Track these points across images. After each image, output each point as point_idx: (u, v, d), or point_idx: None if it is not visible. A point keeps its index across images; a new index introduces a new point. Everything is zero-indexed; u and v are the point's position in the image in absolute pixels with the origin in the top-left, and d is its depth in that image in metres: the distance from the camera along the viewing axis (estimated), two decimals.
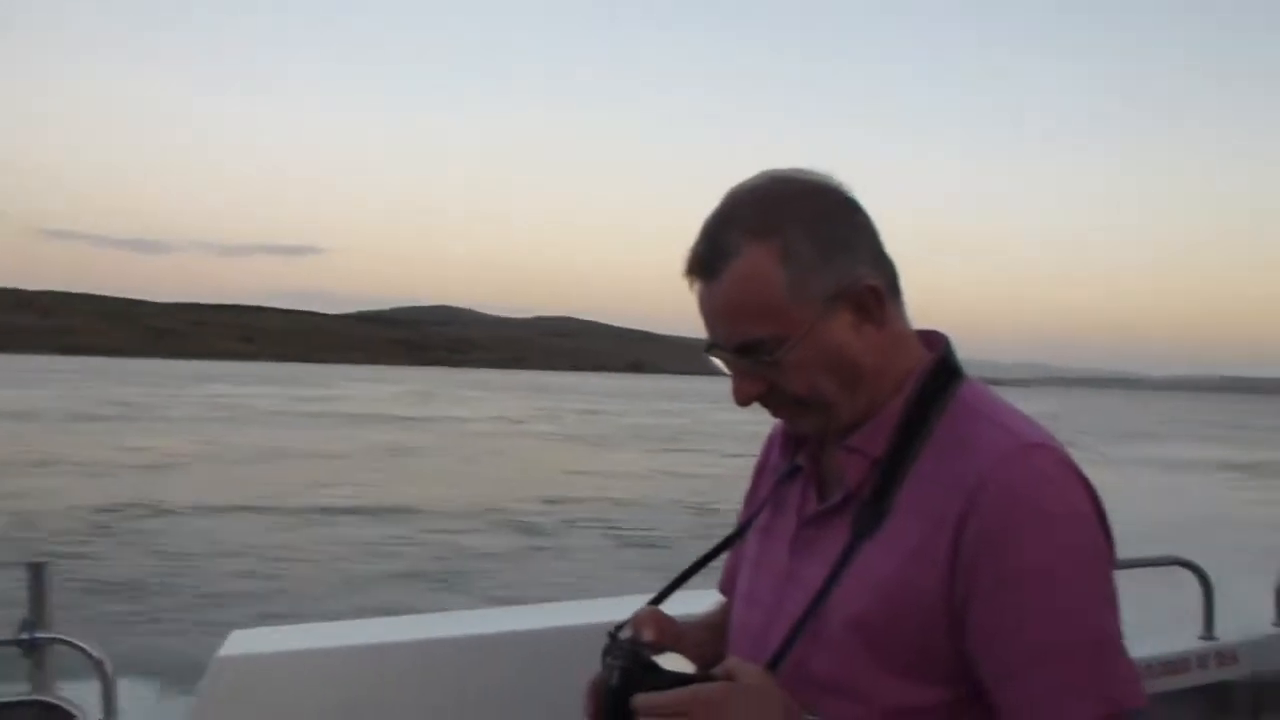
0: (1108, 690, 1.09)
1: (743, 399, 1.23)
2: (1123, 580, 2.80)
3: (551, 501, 21.14)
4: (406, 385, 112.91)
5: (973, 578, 1.11)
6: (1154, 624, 3.06)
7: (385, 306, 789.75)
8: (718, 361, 1.24)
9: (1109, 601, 1.14)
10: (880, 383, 1.23)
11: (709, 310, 1.22)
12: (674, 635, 1.33)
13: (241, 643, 2.01)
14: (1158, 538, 4.31)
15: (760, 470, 1.49)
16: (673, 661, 1.17)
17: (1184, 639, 3.04)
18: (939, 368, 1.26)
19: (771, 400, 1.24)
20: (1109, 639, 1.12)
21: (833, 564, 1.19)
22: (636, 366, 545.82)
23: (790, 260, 1.17)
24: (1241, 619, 3.19)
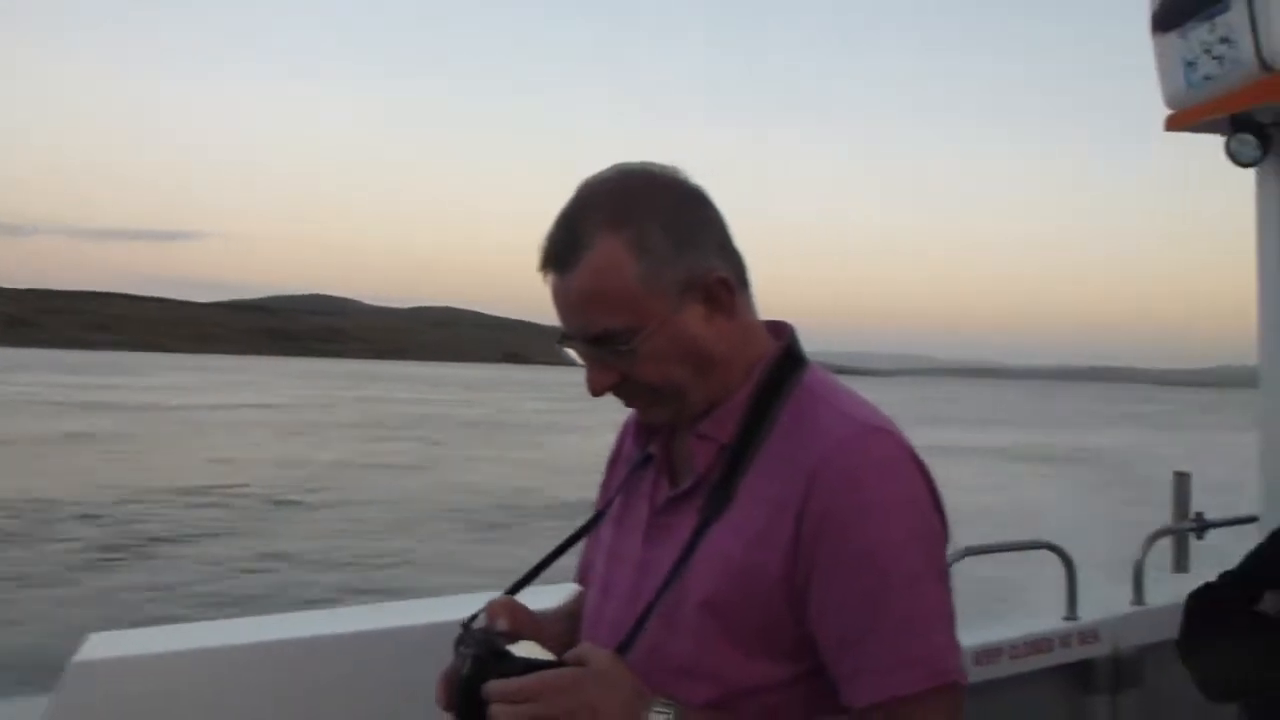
0: (937, 664, 1.15)
1: (597, 389, 1.26)
2: (991, 563, 3.15)
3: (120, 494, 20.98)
4: (233, 376, 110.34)
5: (813, 558, 1.16)
6: (1021, 605, 3.47)
7: (262, 295, 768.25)
8: (572, 353, 1.27)
9: (940, 581, 1.19)
10: (730, 371, 1.27)
11: (563, 302, 1.23)
12: (530, 624, 1.33)
13: (100, 647, 1.94)
14: None
15: (614, 460, 1.50)
16: (527, 649, 1.17)
17: (1049, 619, 3.15)
18: (785, 356, 1.30)
19: (625, 390, 1.27)
20: (939, 616, 1.18)
21: (683, 548, 1.23)
22: (513, 357, 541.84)
23: (643, 252, 1.20)
24: (1103, 599, 3.33)
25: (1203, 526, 3.55)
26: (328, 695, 1.97)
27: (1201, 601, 1.88)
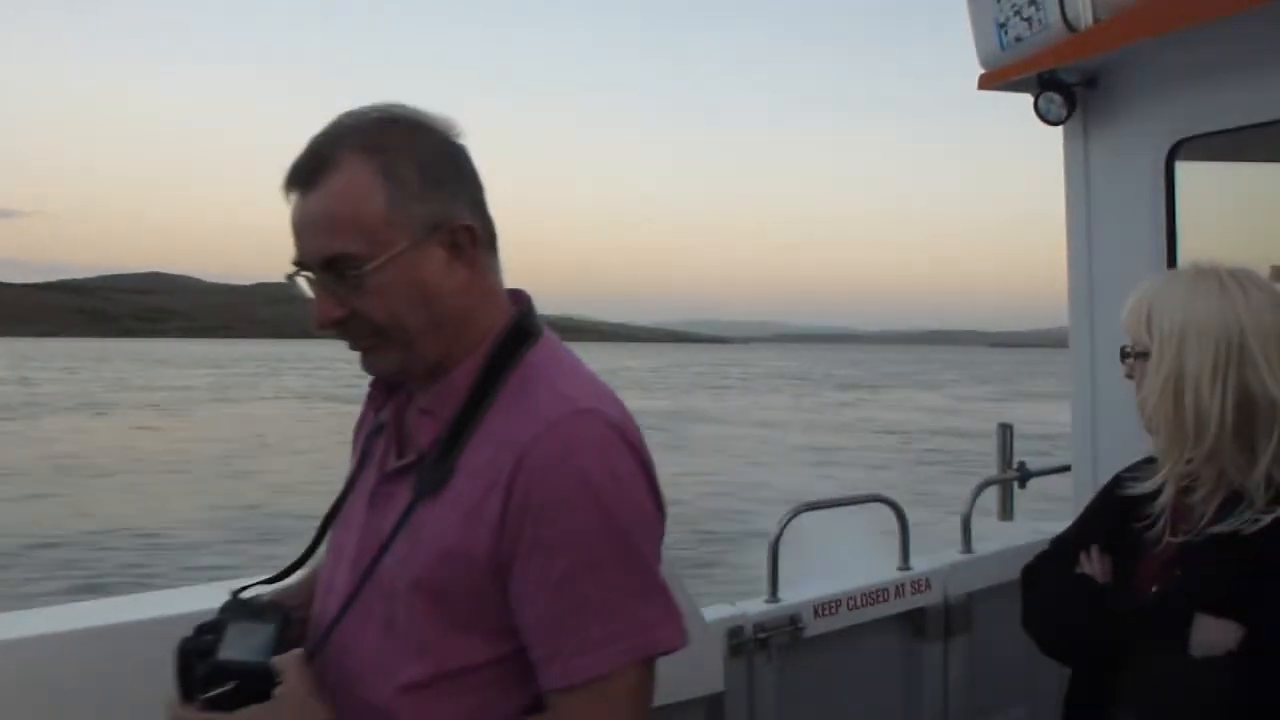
0: (639, 638, 1.17)
1: (323, 320, 1.23)
2: (831, 517, 3.19)
3: None
4: None
5: (516, 540, 1.16)
6: (861, 557, 3.36)
7: (93, 275, 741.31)
8: (302, 284, 1.24)
9: (642, 561, 1.19)
10: (464, 331, 1.26)
11: (301, 222, 1.20)
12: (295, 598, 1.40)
13: None
14: None
15: (359, 428, 1.49)
16: (258, 637, 1.23)
17: (885, 570, 3.25)
18: (514, 329, 1.29)
19: (352, 328, 1.24)
20: (644, 591, 1.19)
21: (394, 525, 1.23)
22: None
23: (391, 180, 1.19)
24: (935, 549, 3.43)
25: (1025, 476, 3.74)
26: (61, 695, 1.87)
27: (1030, 575, 1.97)
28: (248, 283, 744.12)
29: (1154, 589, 1.73)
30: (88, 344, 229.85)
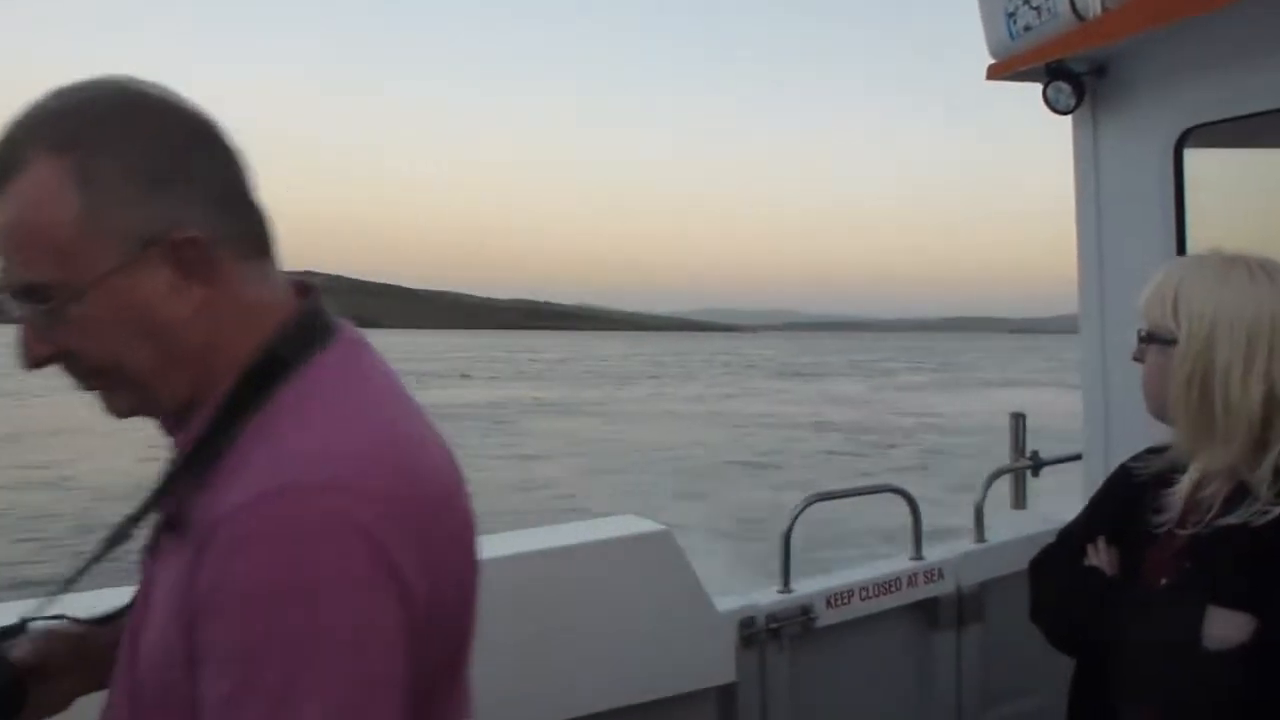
0: None
1: (30, 361, 1.01)
2: (847, 506, 3.59)
3: None
4: None
5: (193, 641, 0.92)
6: (874, 547, 3.65)
7: None
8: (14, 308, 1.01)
9: (339, 687, 0.89)
10: (212, 363, 1.02)
11: None
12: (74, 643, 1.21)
13: None
14: None
15: None
16: None
17: (897, 560, 3.29)
18: (262, 360, 1.02)
19: (71, 367, 1.02)
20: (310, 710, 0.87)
21: (142, 592, 1.06)
22: (359, 322, 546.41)
23: (87, 184, 0.95)
24: (947, 538, 3.48)
25: (1038, 465, 3.76)
26: None
27: (1038, 567, 1.99)
28: None
29: (1163, 581, 1.73)
30: None
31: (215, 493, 0.95)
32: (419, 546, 0.96)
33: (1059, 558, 1.95)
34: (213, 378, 1.02)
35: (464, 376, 63.07)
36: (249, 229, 1.05)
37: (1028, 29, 2.86)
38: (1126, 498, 1.87)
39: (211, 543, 0.91)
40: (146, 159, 0.97)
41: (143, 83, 1.01)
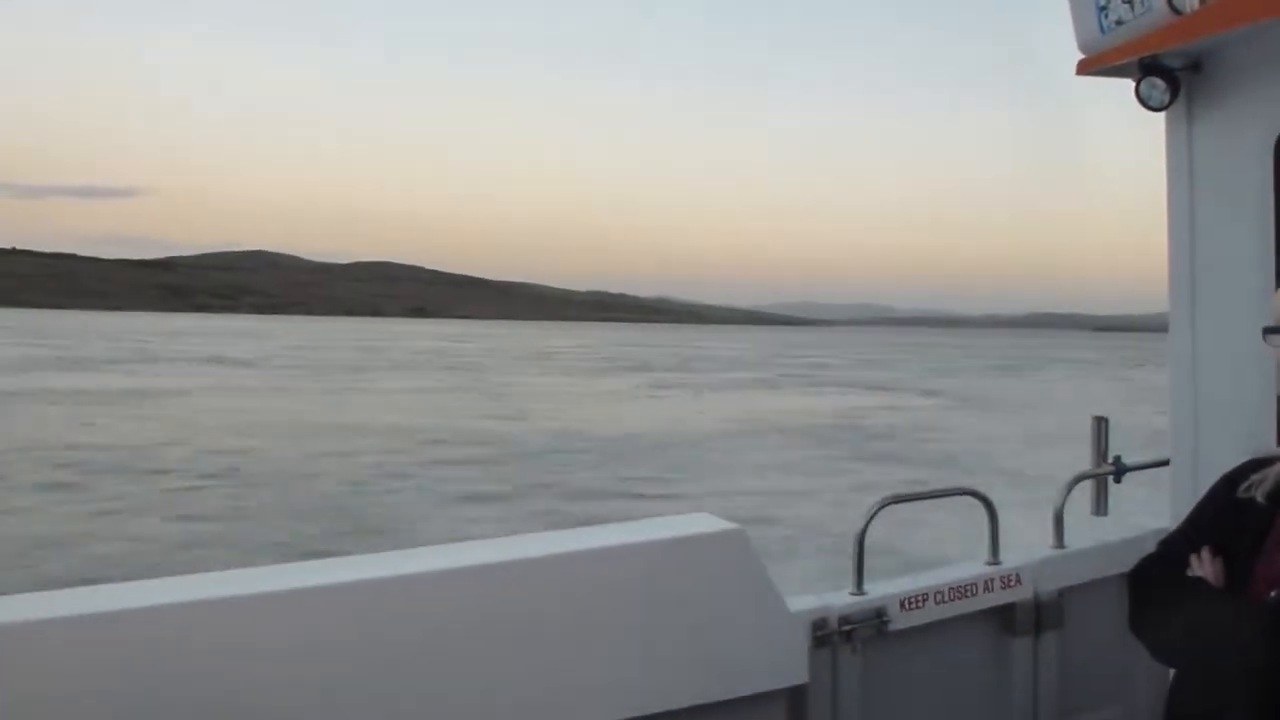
0: None
1: None
2: (921, 508, 3.87)
3: None
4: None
5: None
6: (949, 550, 3.78)
7: (199, 252, 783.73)
8: None
9: None
10: None
11: None
12: None
13: None
14: None
15: None
16: None
17: (973, 564, 3.32)
18: None
19: None
20: None
21: None
22: (418, 311, 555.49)
23: None
24: (1025, 543, 3.51)
25: (1120, 470, 3.73)
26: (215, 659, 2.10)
27: (1139, 578, 1.99)
28: (345, 261, 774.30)
29: (1272, 593, 1.73)
30: (155, 319, 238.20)
31: None
32: None
33: (1161, 568, 1.94)
34: None
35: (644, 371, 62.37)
36: None
37: (1120, 23, 2.86)
38: (1229, 508, 1.87)
39: None
40: None
41: None
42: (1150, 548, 3.45)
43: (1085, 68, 3.01)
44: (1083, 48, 3.00)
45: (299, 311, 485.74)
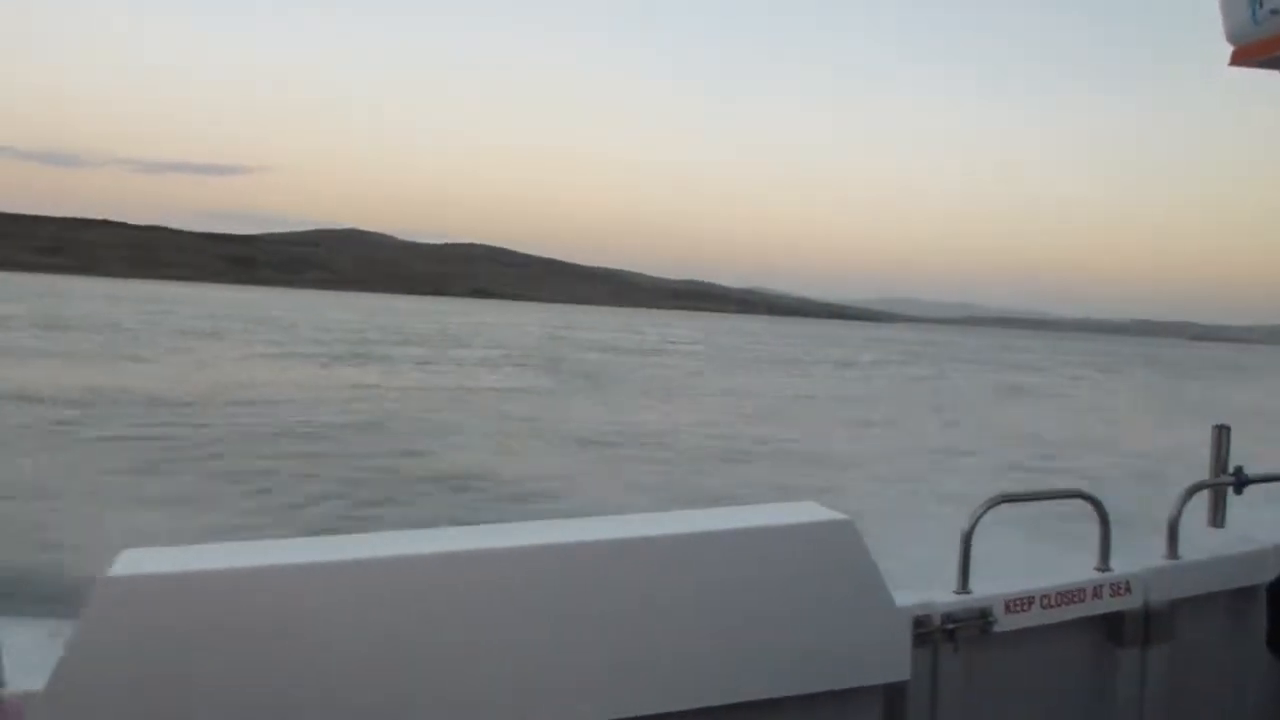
0: None
1: None
2: (1029, 510, 3.33)
3: None
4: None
5: None
6: (1053, 555, 3.45)
7: (299, 229, 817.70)
8: None
9: None
10: None
11: None
12: None
13: (131, 563, 2.15)
14: None
15: None
16: None
17: (1082, 569, 3.34)
18: None
19: None
20: None
21: None
22: (480, 292, 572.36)
23: None
24: (1137, 551, 3.50)
25: (1242, 482, 3.69)
26: (357, 616, 2.24)
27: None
28: (437, 242, 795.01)
29: None
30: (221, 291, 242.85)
31: None
32: None
33: None
34: None
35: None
36: None
37: (1274, 12, 2.82)
38: None
39: None
40: None
41: None
42: (1272, 563, 3.47)
43: (1239, 58, 2.96)
44: (1231, 37, 2.96)
45: (359, 288, 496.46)
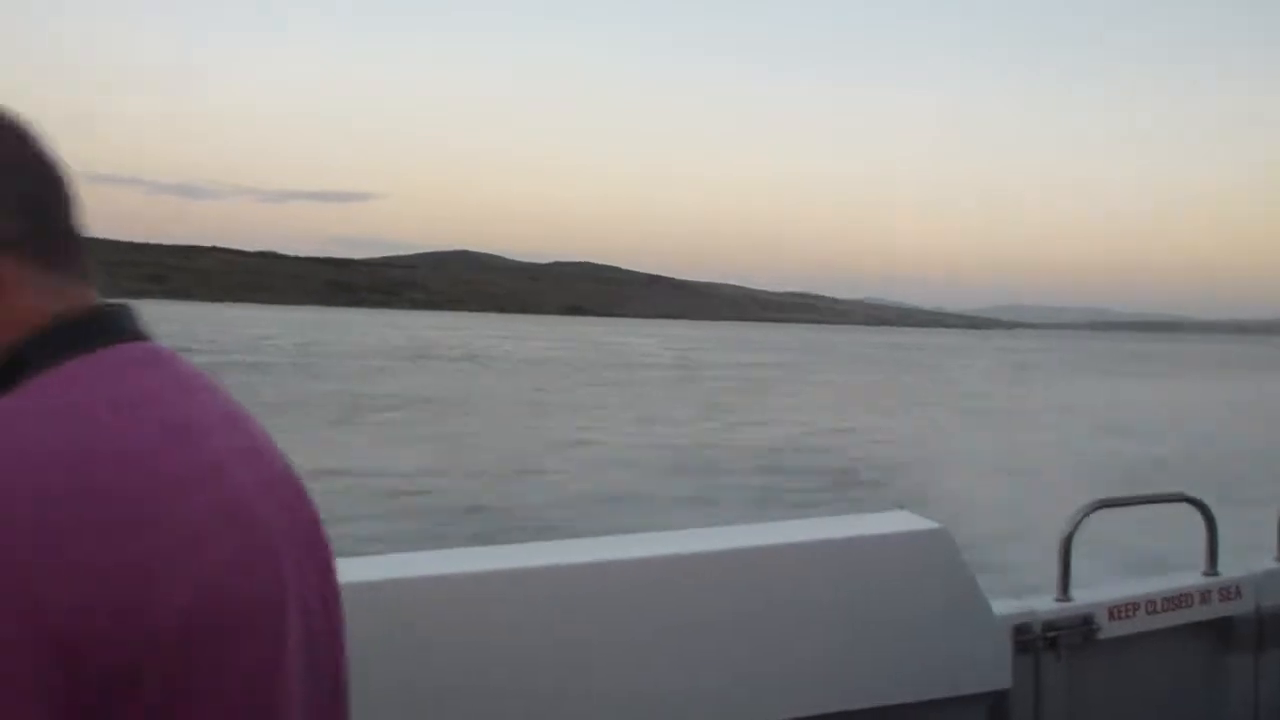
0: None
1: None
2: (1133, 513, 3.57)
3: None
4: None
5: None
6: (1160, 558, 3.85)
7: (410, 251, 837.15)
8: None
9: None
10: None
11: None
12: None
13: None
14: None
15: None
16: None
17: (1189, 574, 3.34)
18: (10, 357, 1.02)
19: None
20: None
21: None
22: (574, 309, 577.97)
23: None
24: (1245, 553, 3.50)
25: None
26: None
27: None
28: (545, 261, 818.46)
29: None
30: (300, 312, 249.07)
31: None
32: (70, 558, 0.86)
33: None
34: None
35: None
36: (46, 239, 1.06)
37: None
38: None
39: None
40: None
41: None
42: None
43: None
44: None
45: (453, 308, 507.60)
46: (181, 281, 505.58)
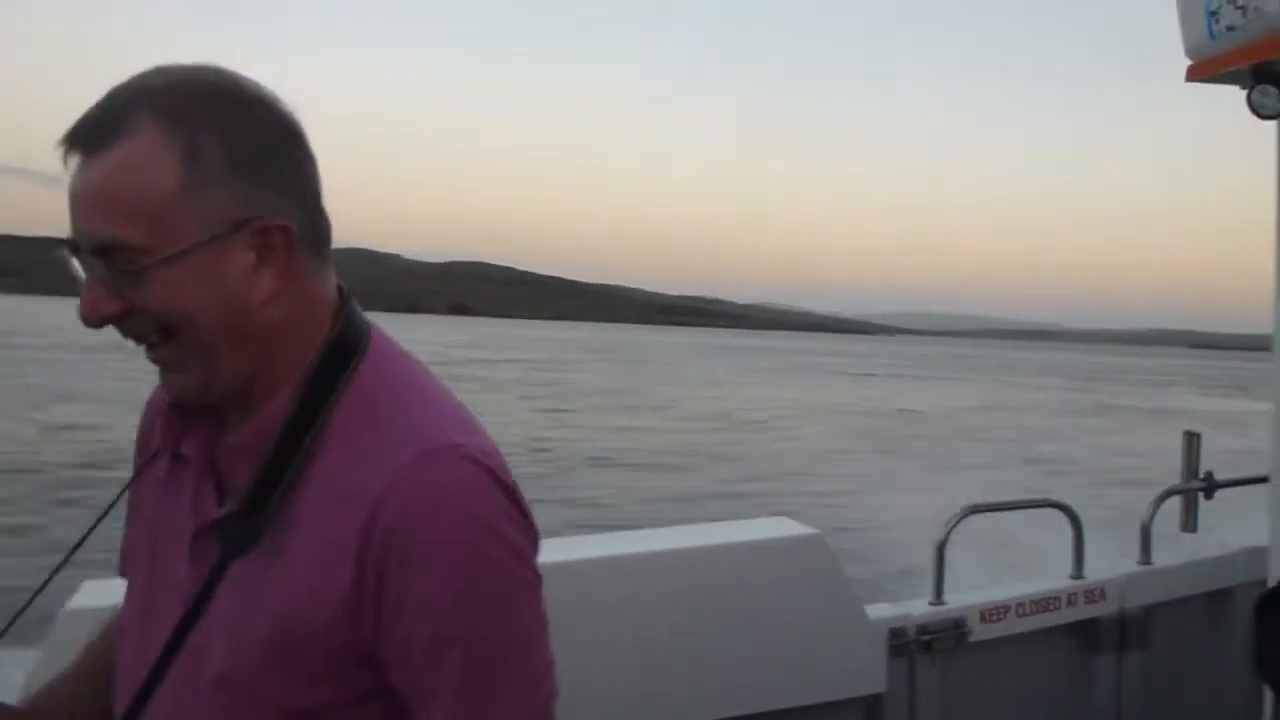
0: (525, 692, 1.13)
1: (93, 315, 1.10)
2: (1003, 520, 3.70)
3: None
4: None
5: (378, 607, 1.08)
6: (1028, 563, 3.80)
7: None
8: (76, 266, 1.11)
9: (516, 610, 1.12)
10: (276, 353, 1.15)
11: (77, 193, 1.09)
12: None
13: (94, 594, 2.06)
14: None
15: (144, 442, 1.37)
16: None
17: (1056, 578, 3.47)
18: (334, 347, 1.18)
19: (133, 325, 1.12)
20: (515, 645, 1.12)
21: (196, 596, 1.13)
22: (460, 309, 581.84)
23: (193, 160, 1.07)
24: (1110, 558, 3.65)
25: (1212, 486, 3.81)
26: None
27: (1268, 608, 1.98)
28: (441, 261, 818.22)
29: None
30: None
31: (338, 468, 1.13)
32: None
33: None
34: (275, 369, 1.16)
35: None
36: (318, 229, 1.19)
37: (1231, 29, 2.94)
38: None
39: (382, 511, 1.08)
40: (246, 146, 1.11)
41: (241, 75, 1.16)
42: (1243, 566, 3.63)
43: (1195, 74, 3.09)
44: (1189, 53, 3.08)
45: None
46: None
